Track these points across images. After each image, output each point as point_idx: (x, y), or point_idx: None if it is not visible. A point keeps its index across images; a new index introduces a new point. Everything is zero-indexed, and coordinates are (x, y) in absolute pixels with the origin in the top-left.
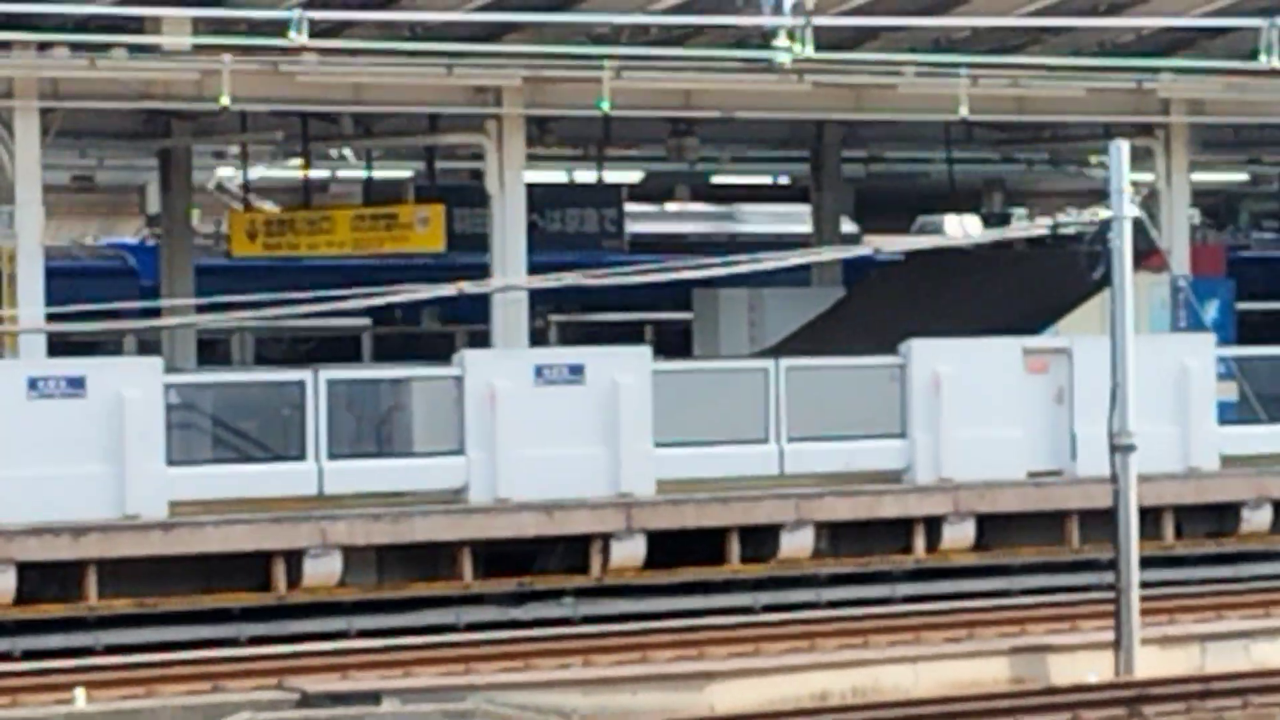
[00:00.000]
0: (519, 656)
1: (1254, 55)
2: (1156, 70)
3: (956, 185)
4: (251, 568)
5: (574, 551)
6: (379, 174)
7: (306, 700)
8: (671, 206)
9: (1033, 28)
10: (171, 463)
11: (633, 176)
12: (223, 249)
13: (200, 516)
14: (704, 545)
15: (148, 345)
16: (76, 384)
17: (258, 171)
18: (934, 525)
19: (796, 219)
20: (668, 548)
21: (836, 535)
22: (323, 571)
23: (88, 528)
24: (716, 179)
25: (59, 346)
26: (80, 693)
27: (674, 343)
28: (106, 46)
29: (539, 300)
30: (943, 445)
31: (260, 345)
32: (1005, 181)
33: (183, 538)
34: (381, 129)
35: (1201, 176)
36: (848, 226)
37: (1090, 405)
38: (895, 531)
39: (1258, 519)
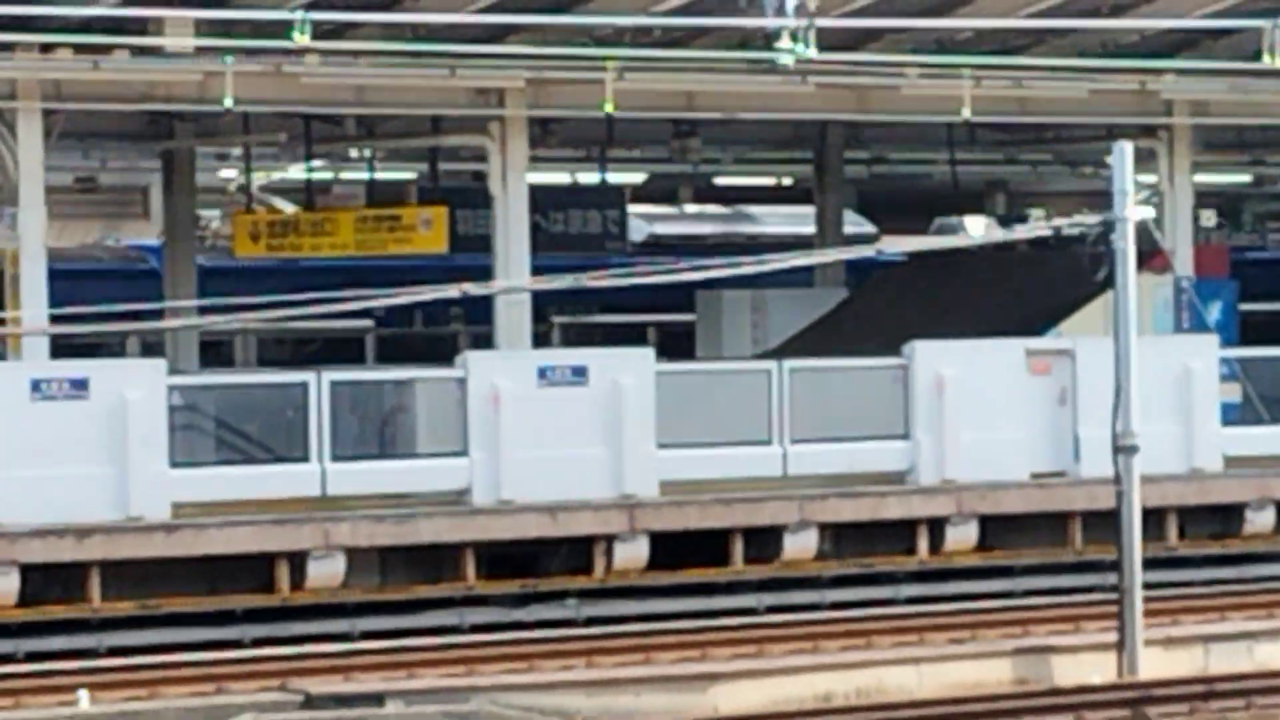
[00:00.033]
0: (522, 658)
1: (1257, 56)
2: (1160, 71)
3: (962, 186)
4: (255, 569)
5: (577, 553)
6: (382, 176)
7: (310, 702)
8: (690, 208)
9: (1036, 29)
10: (175, 464)
11: (636, 178)
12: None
13: (203, 518)
14: (707, 547)
15: (151, 347)
16: (79, 385)
17: (279, 173)
18: (937, 526)
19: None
20: (671, 549)
21: (840, 536)
22: (326, 573)
23: (91, 529)
24: (719, 180)
25: (67, 349)
26: (83, 694)
27: (677, 344)
28: (109, 48)
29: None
30: (946, 446)
31: (263, 346)
32: (1008, 183)
33: (186, 539)
34: (384, 131)
35: (1204, 178)
36: (865, 227)
37: (1093, 406)
38: (898, 533)
39: (1261, 520)
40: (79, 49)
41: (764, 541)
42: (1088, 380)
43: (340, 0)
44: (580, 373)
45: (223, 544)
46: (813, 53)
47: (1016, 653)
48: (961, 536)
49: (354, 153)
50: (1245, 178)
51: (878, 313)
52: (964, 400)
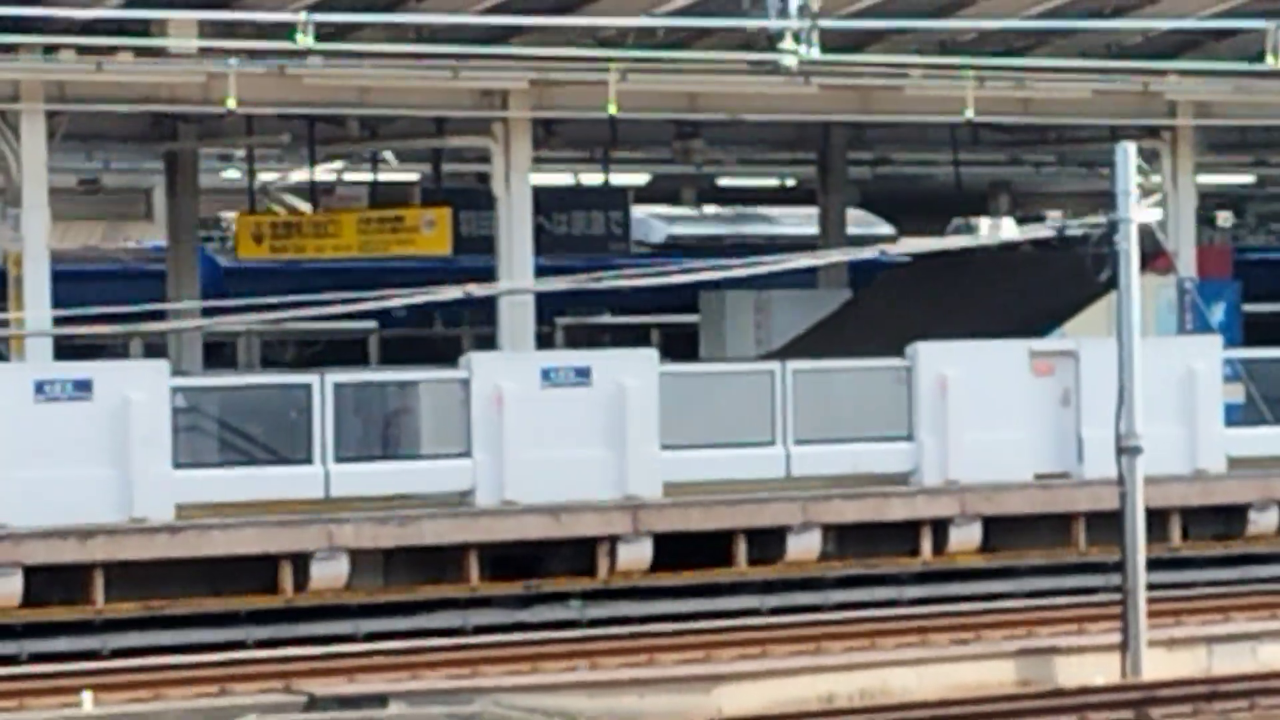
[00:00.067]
0: (526, 659)
1: (1260, 57)
2: (1163, 72)
3: (965, 187)
4: (258, 571)
5: (581, 554)
6: (385, 177)
7: (314, 703)
8: (709, 209)
9: (1039, 29)
10: (178, 466)
11: (639, 179)
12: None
13: (207, 519)
14: (711, 548)
15: (153, 348)
16: (83, 387)
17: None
18: (941, 527)
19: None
20: (674, 550)
21: (843, 537)
22: (330, 574)
23: (94, 531)
24: (723, 181)
25: (71, 350)
26: (87, 696)
27: (681, 345)
28: (113, 50)
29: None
30: (949, 447)
31: (266, 348)
32: (1012, 183)
33: (189, 541)
34: (388, 132)
35: (1206, 178)
36: (881, 228)
37: (1097, 407)
38: (902, 534)
39: (1264, 521)
40: (82, 50)
41: (767, 543)
42: (1091, 381)
43: (343, 2)
44: (584, 374)
45: (226, 545)
46: (816, 54)
47: (1020, 654)
48: (965, 537)
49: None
50: (1248, 178)
51: (881, 314)
52: (967, 401)
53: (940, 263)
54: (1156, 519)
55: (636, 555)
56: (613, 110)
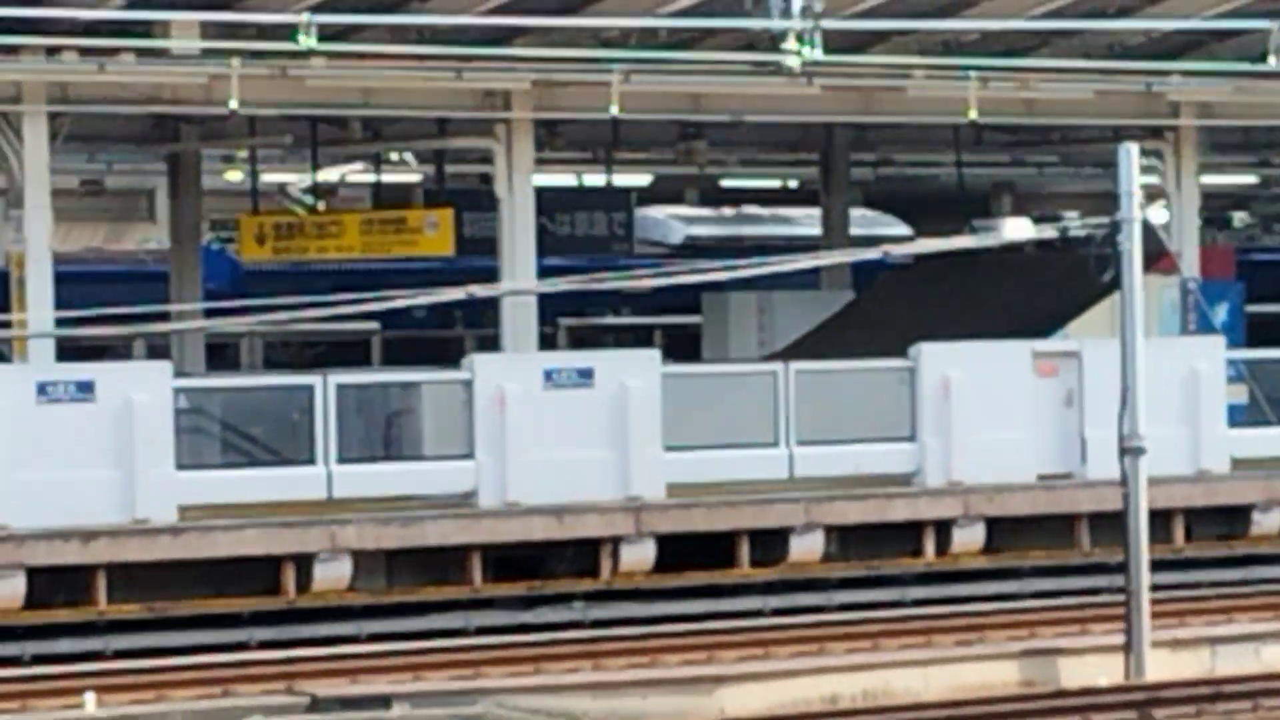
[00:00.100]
0: (529, 660)
1: (1263, 57)
2: (1166, 73)
3: (971, 188)
4: (261, 572)
5: (583, 555)
6: (388, 178)
7: (316, 705)
8: (728, 210)
9: (1042, 30)
10: (181, 467)
11: (642, 180)
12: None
13: (209, 521)
14: (713, 549)
15: (156, 349)
16: (85, 388)
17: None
18: (944, 528)
19: (855, 222)
20: (677, 551)
21: (846, 538)
22: (332, 575)
23: (97, 532)
24: (725, 182)
25: (75, 351)
26: (90, 697)
27: (684, 346)
28: (115, 51)
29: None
30: (952, 448)
31: (269, 349)
32: (1015, 184)
33: (192, 542)
34: (390, 133)
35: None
36: (900, 229)
37: (1100, 408)
38: (905, 535)
39: (1268, 522)
40: (85, 51)
41: (770, 543)
42: (1094, 382)
43: (346, 2)
44: (586, 375)
45: (229, 546)
46: (819, 54)
47: (1023, 655)
48: (968, 538)
49: (396, 156)
50: (1251, 179)
51: (884, 315)
52: (970, 402)
53: (943, 263)
54: (1160, 520)
55: (639, 556)
56: (615, 111)
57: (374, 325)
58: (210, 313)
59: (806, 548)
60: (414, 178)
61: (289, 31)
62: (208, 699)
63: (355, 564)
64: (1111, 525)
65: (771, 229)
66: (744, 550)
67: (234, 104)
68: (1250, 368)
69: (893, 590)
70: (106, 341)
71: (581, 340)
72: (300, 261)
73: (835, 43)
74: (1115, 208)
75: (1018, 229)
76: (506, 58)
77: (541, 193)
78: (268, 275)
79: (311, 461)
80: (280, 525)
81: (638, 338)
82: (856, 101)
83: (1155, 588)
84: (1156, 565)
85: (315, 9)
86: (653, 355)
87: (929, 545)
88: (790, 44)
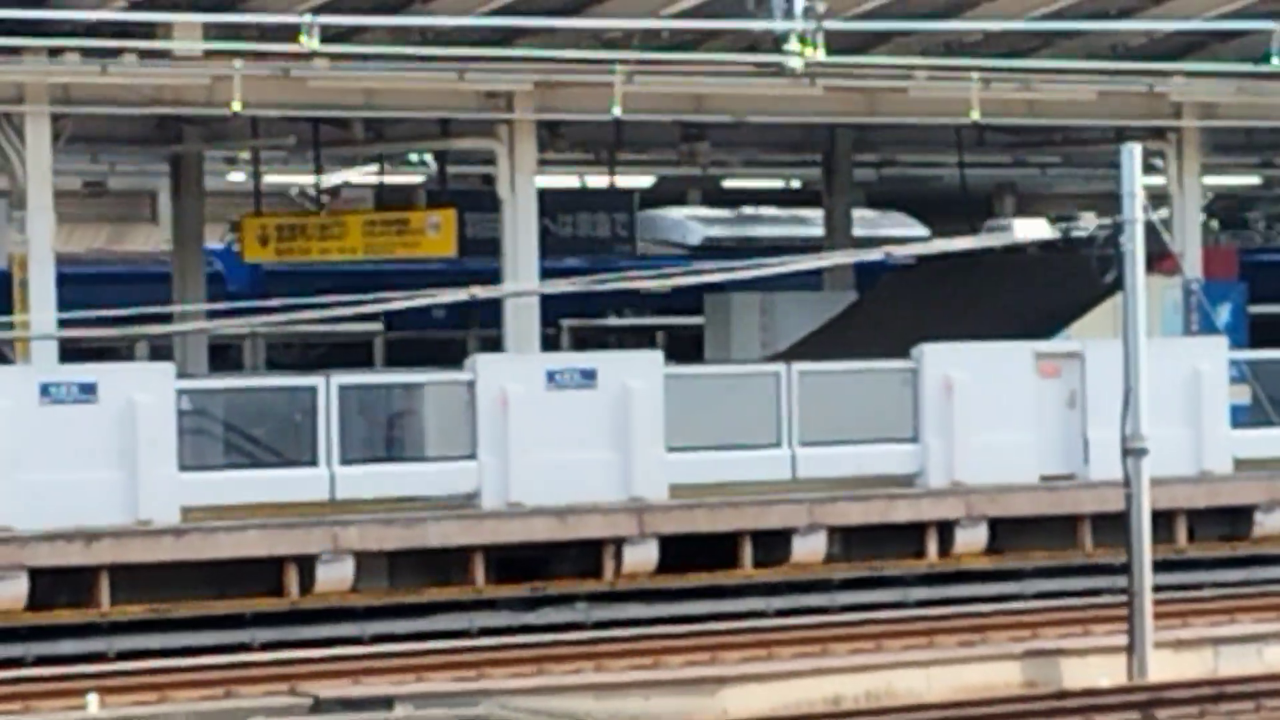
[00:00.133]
0: (531, 661)
1: (1266, 58)
2: (1168, 73)
3: (973, 189)
4: (264, 573)
5: (586, 556)
6: (390, 179)
7: (319, 706)
8: (747, 210)
9: (1044, 31)
10: (184, 468)
11: (644, 181)
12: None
13: (212, 522)
14: (716, 550)
15: (159, 350)
16: (88, 390)
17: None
18: (946, 529)
19: (870, 223)
20: (680, 552)
21: (849, 540)
22: (335, 577)
23: (100, 533)
24: (728, 183)
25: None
26: (93, 698)
27: (686, 347)
28: (118, 52)
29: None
30: (955, 449)
31: (272, 350)
32: (1017, 185)
33: (195, 543)
34: (393, 134)
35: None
36: (914, 229)
37: (1102, 409)
38: (907, 536)
39: (1270, 522)
40: (87, 53)
41: (773, 544)
42: (1097, 383)
43: (348, 4)
44: (589, 376)
45: (231, 548)
46: (821, 55)
47: (1026, 655)
48: (971, 539)
49: (414, 157)
50: (1254, 179)
51: (886, 316)
52: (973, 403)
53: (946, 265)
54: (1162, 520)
55: (642, 557)
56: (618, 112)
57: (376, 326)
58: (214, 314)
59: (809, 549)
60: (416, 179)
61: (291, 32)
62: (210, 700)
63: (358, 565)
64: (1114, 526)
65: (789, 230)
66: (747, 551)
67: (236, 105)
68: (1253, 368)
69: (895, 591)
70: (110, 343)
71: (584, 341)
72: (319, 263)
73: (837, 44)
74: (1118, 208)
75: (1030, 229)
76: (509, 59)
77: (544, 194)
78: (288, 276)
79: (314, 463)
80: (283, 526)
81: (640, 339)
82: (859, 102)
83: (1158, 588)
84: (1159, 566)
85: (318, 10)
86: (655, 356)
87: (931, 546)
88: (793, 45)
